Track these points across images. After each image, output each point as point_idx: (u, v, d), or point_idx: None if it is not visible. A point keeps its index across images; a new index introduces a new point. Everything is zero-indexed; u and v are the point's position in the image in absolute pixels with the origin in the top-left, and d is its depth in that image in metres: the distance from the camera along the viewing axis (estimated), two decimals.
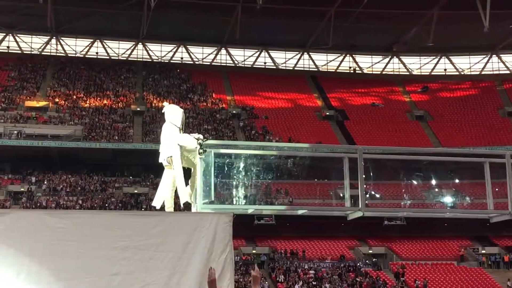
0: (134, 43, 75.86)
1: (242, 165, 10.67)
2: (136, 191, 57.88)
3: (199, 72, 74.89)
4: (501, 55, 78.62)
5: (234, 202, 10.46)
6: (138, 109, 65.83)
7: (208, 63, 77.85)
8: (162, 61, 76.50)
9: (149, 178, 59.46)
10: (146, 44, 76.31)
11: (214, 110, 68.04)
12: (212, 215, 9.32)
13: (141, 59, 76.14)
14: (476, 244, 58.53)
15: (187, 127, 63.68)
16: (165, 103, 11.04)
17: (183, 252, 9.00)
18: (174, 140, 10.41)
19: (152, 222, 9.08)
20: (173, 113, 10.75)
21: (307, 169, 10.95)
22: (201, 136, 10.09)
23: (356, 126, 68.13)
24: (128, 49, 76.12)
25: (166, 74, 73.77)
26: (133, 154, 58.23)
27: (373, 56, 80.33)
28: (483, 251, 57.15)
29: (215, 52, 77.87)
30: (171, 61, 76.81)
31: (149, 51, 76.49)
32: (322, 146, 11.58)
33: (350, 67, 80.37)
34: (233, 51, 78.23)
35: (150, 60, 76.38)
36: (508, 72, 78.58)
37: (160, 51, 77.03)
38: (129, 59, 75.99)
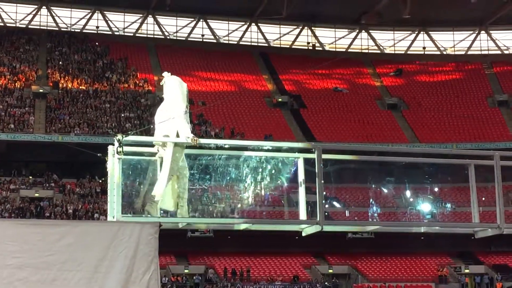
0: (36, 6, 74.53)
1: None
2: (37, 194, 57.04)
3: (120, 45, 74.15)
4: (491, 32, 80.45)
5: (162, 213, 10.44)
6: (41, 90, 64.75)
7: (131, 34, 77.13)
8: (73, 30, 75.40)
9: (52, 179, 58.64)
10: (52, 8, 75.06)
11: (138, 93, 67.48)
12: (133, 225, 9.29)
13: (45, 27, 74.84)
14: (458, 262, 59.85)
15: (103, 114, 63.18)
16: (165, 73, 10.93)
17: (96, 271, 8.93)
18: (176, 120, 10.36)
19: (56, 233, 8.97)
20: (175, 88, 10.67)
21: (253, 171, 10.99)
22: (191, 136, 10.13)
23: (314, 116, 68.68)
24: (28, 14, 74.71)
25: (77, 47, 72.76)
26: (34, 148, 57.31)
27: (336, 30, 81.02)
28: (467, 271, 58.49)
29: (139, 21, 77.21)
30: (84, 31, 75.79)
31: (56, 17, 75.27)
32: (270, 144, 11.67)
33: (308, 43, 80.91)
34: (162, 20, 77.72)
35: (57, 28, 75.17)
36: (499, 52, 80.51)
37: (70, 18, 75.87)
38: (29, 26, 74.60)
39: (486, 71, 77.89)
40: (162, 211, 10.56)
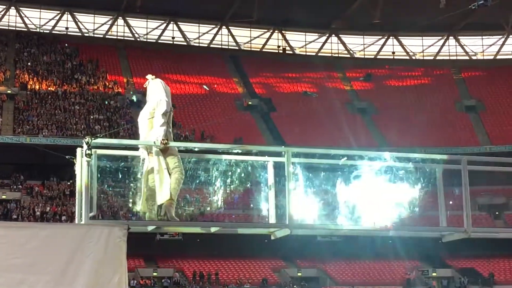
0: (4, 7, 73.84)
1: (140, 169, 10.63)
2: (4, 196, 56.51)
3: (89, 46, 73.71)
4: (459, 37, 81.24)
5: (131, 216, 10.43)
6: (9, 91, 64.24)
7: (101, 36, 76.73)
8: (42, 31, 74.84)
9: (20, 180, 58.15)
10: (21, 8, 74.42)
11: (108, 95, 67.14)
12: (101, 228, 9.24)
13: (14, 28, 74.22)
14: (426, 265, 60.28)
15: (72, 115, 62.78)
16: (149, 76, 10.92)
17: (63, 274, 8.86)
18: (161, 123, 10.38)
19: (22, 236, 8.89)
20: (160, 91, 10.63)
21: (223, 174, 10.99)
22: (159, 138, 10.14)
23: (285, 120, 68.79)
24: None
25: (46, 48, 72.22)
26: (1, 150, 56.71)
27: (307, 34, 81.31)
28: (434, 274, 58.95)
29: (110, 22, 76.82)
30: (53, 32, 75.25)
31: (25, 18, 74.67)
32: (240, 147, 11.65)
33: (279, 46, 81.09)
34: (133, 22, 77.41)
35: (26, 29, 74.58)
36: (467, 57, 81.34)
37: (39, 19, 75.29)
38: None
39: (455, 76, 78.64)
40: (131, 214, 10.57)
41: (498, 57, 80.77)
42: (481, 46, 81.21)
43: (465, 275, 58.34)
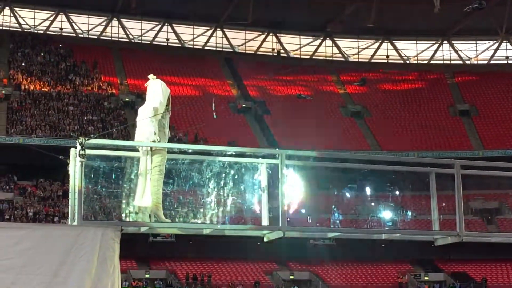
0: None
1: (133, 170, 10.63)
2: None
3: (84, 47, 73.59)
4: (453, 42, 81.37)
5: (124, 217, 10.41)
6: (3, 92, 64.09)
7: (96, 37, 76.60)
8: (36, 31, 74.68)
9: (12, 181, 58.00)
10: (15, 8, 74.23)
11: (102, 96, 67.03)
12: (94, 229, 9.22)
13: (8, 28, 74.03)
14: (418, 269, 60.32)
15: (66, 116, 62.66)
16: (151, 76, 10.96)
17: (56, 275, 8.84)
18: (152, 123, 10.42)
19: (15, 237, 8.86)
20: (157, 92, 10.73)
21: (217, 176, 10.99)
22: (155, 138, 10.20)
23: (278, 122, 68.76)
24: None
25: (40, 48, 72.09)
26: None
27: (302, 37, 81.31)
28: (426, 278, 58.98)
29: (104, 23, 76.72)
30: (48, 32, 75.11)
31: (19, 18, 74.49)
32: (234, 149, 11.64)
33: (273, 49, 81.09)
34: (127, 23, 77.31)
35: (20, 29, 74.41)
36: (461, 62, 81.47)
37: (33, 19, 75.13)
38: None
39: (448, 81, 78.73)
40: (123, 215, 10.55)
41: (492, 62, 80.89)
42: (475, 51, 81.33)
43: (457, 279, 58.39)
